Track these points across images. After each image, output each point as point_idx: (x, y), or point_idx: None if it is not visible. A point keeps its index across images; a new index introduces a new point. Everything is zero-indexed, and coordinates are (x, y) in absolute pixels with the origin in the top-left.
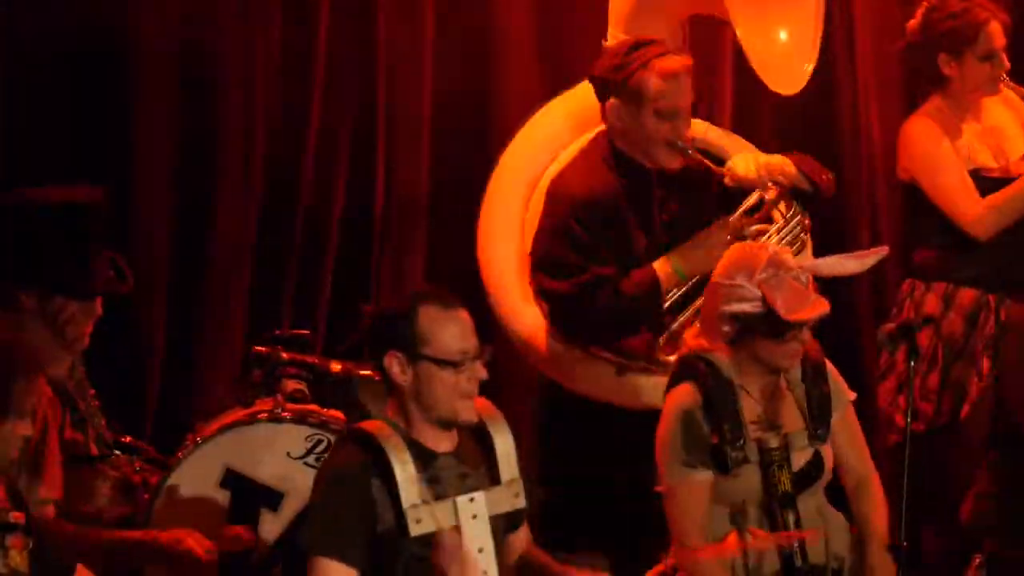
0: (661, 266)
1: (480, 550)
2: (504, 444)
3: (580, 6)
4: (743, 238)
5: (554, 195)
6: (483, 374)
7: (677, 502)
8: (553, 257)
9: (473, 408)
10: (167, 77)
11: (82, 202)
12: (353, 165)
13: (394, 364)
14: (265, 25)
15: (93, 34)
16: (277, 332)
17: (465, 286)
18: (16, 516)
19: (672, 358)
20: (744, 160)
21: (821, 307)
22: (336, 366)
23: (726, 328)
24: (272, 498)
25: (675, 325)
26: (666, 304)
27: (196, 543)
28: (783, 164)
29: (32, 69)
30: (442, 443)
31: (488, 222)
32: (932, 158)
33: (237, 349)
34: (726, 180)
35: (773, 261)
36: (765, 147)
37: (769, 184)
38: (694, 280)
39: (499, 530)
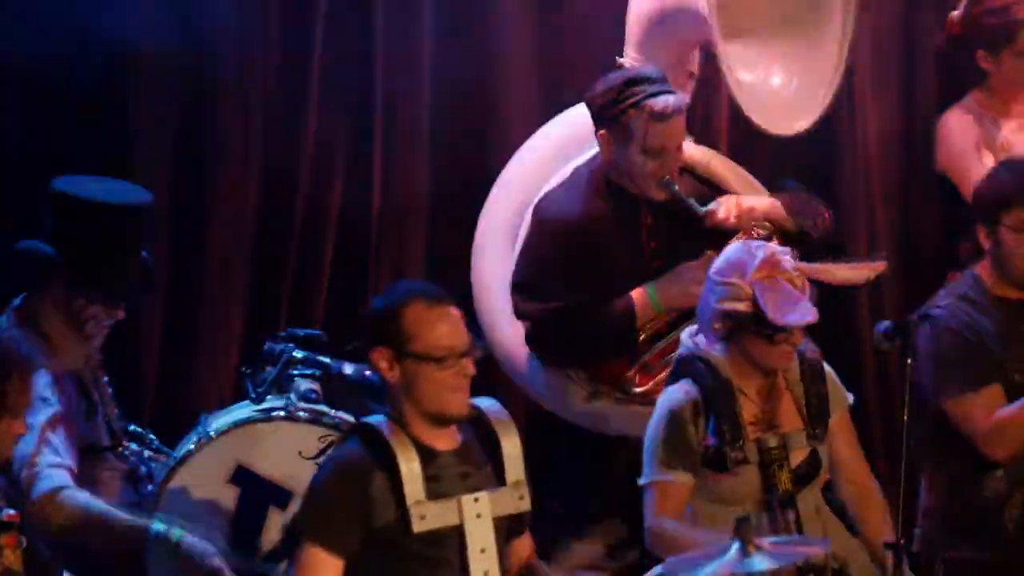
0: (639, 296)
1: (482, 550)
2: (511, 446)
3: (580, 7)
4: None
5: (536, 217)
6: (471, 370)
7: (653, 498)
8: (529, 280)
9: (463, 402)
10: (165, 77)
11: (126, 204)
12: (351, 167)
13: (382, 360)
14: (263, 24)
15: (93, 35)
16: (292, 330)
17: (463, 287)
18: (10, 515)
19: (641, 388)
20: (726, 206)
21: (810, 315)
22: (349, 368)
23: (718, 325)
24: (281, 496)
25: (648, 356)
26: (645, 335)
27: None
28: (768, 210)
29: (32, 69)
30: (441, 441)
31: (482, 237)
32: (961, 153)
33: (235, 350)
34: (706, 223)
35: (768, 261)
36: (765, 158)
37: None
38: (672, 312)
39: (502, 531)
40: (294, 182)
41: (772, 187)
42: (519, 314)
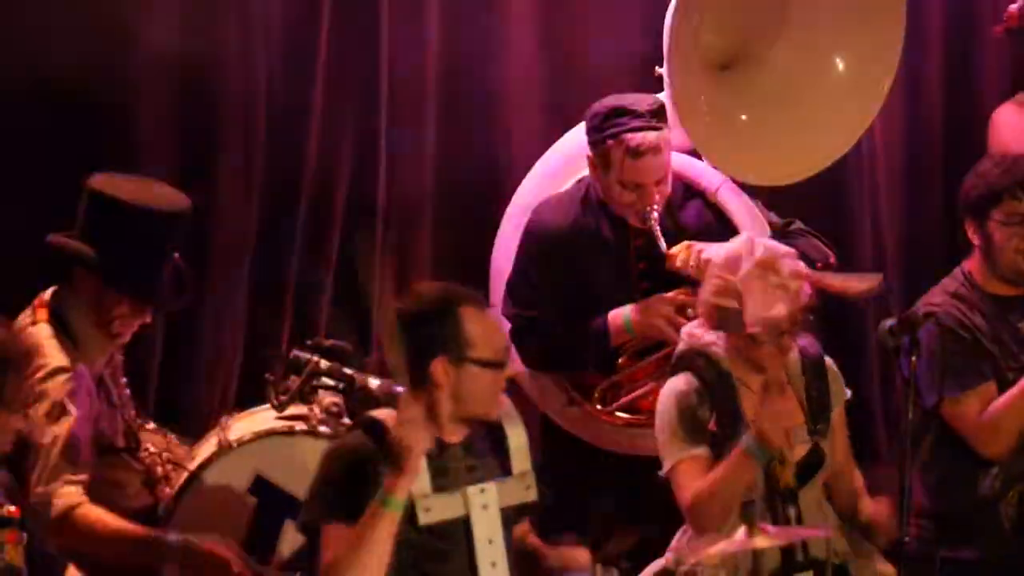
0: (615, 317)
1: (490, 541)
2: (517, 437)
3: None
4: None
5: (528, 222)
6: (513, 371)
7: (681, 478)
8: (510, 285)
9: (500, 405)
10: (168, 71)
11: (169, 210)
12: (355, 163)
13: (439, 369)
14: (266, 23)
15: (94, 31)
16: (319, 341)
17: (466, 284)
18: (10, 511)
19: (600, 405)
20: (684, 254)
21: (778, 314)
22: (374, 382)
23: (708, 317)
24: (297, 510)
25: (617, 377)
26: (628, 352)
27: (235, 558)
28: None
29: (31, 66)
30: (454, 433)
31: (502, 230)
32: (1013, 148)
33: (239, 349)
34: (667, 264)
35: (763, 262)
36: None
37: None
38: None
39: (509, 522)
40: (298, 179)
41: (773, 225)
42: (503, 313)
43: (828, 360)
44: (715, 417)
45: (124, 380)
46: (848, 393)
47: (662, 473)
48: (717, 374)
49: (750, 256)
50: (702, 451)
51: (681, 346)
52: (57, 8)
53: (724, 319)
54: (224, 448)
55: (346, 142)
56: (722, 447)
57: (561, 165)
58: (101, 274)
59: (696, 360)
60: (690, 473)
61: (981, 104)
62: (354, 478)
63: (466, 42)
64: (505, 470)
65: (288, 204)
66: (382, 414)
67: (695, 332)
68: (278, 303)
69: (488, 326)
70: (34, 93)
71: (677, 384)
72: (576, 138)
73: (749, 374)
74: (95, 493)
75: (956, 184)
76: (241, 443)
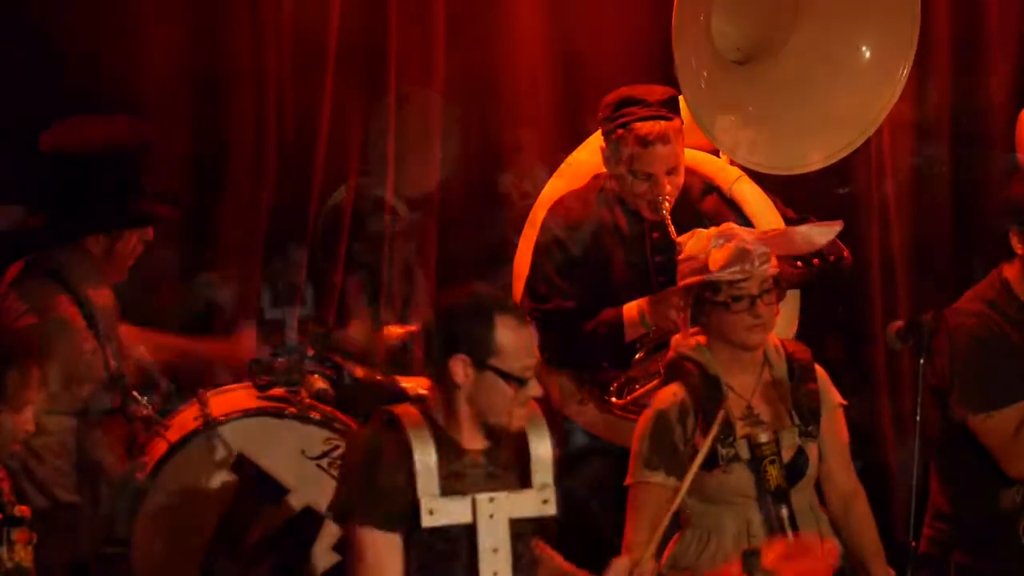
0: (630, 310)
1: (495, 551)
2: (541, 449)
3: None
4: None
5: (543, 222)
6: (538, 391)
7: (634, 499)
8: (529, 279)
9: (523, 417)
10: (178, 71)
11: (126, 142)
12: (363, 165)
13: (459, 367)
14: (276, 20)
15: (104, 28)
16: (310, 327)
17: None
18: (21, 510)
19: (616, 399)
20: (691, 243)
21: (770, 269)
22: (359, 371)
23: (688, 304)
24: (277, 491)
25: (631, 371)
26: (646, 348)
27: None
28: None
29: (37, 57)
30: (475, 440)
31: (528, 226)
32: None
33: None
34: (678, 253)
35: (722, 233)
36: None
37: None
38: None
39: (524, 534)
40: (307, 179)
41: (789, 220)
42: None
43: (819, 367)
44: (700, 426)
45: (123, 337)
46: (841, 400)
47: (626, 483)
48: (705, 379)
49: (713, 235)
50: (662, 479)
51: (671, 354)
52: (69, 4)
53: (697, 297)
54: (210, 422)
55: (354, 143)
56: (711, 454)
57: (585, 166)
58: (107, 226)
59: (683, 366)
60: (643, 502)
61: (990, 105)
62: (389, 474)
63: (474, 42)
64: (525, 482)
65: (298, 202)
66: (400, 409)
67: (685, 340)
68: (288, 300)
69: (520, 340)
70: (41, 87)
71: (662, 400)
72: (599, 139)
73: (736, 378)
74: (77, 454)
75: (964, 187)
76: (229, 419)
